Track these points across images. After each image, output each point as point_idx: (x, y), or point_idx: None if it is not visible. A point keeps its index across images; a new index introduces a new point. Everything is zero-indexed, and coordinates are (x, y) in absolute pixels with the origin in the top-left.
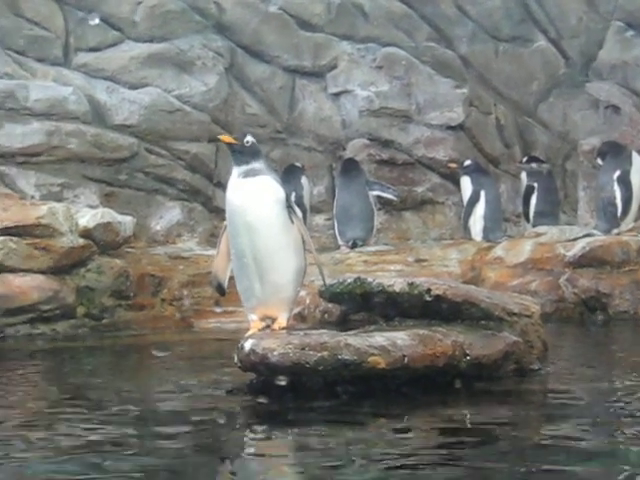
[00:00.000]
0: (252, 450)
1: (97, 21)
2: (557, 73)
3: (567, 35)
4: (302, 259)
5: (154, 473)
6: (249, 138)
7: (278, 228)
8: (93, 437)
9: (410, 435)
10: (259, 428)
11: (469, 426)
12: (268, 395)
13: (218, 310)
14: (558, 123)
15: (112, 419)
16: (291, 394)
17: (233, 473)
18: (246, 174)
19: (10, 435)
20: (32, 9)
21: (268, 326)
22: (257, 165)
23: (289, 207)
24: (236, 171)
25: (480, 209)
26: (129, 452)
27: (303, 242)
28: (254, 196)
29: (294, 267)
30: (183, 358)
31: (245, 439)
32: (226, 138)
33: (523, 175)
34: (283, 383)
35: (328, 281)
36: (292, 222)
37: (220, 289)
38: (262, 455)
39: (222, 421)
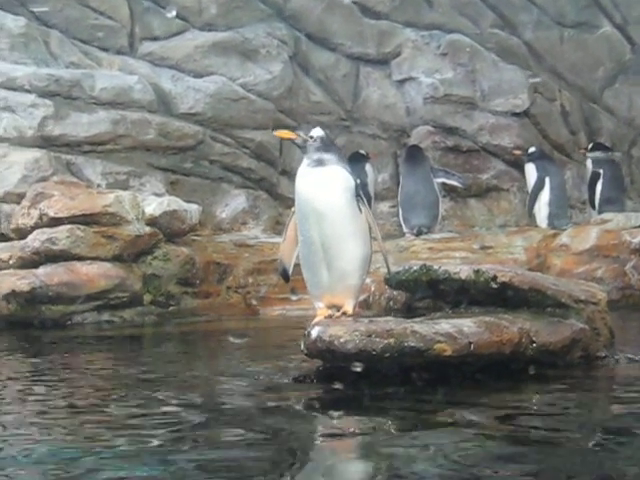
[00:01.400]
0: (327, 437)
1: (174, 13)
2: (623, 59)
3: (633, 20)
4: (369, 247)
5: (232, 462)
6: (315, 133)
7: (347, 216)
8: (166, 423)
9: (480, 421)
10: (335, 414)
11: (536, 411)
12: (340, 381)
13: (294, 298)
14: (624, 109)
15: (181, 405)
16: (365, 380)
17: (310, 460)
18: (316, 163)
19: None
20: None
21: (333, 314)
22: (327, 156)
23: (358, 196)
24: (306, 160)
25: (545, 196)
26: (207, 440)
27: (370, 230)
28: (324, 184)
29: (361, 255)
30: (250, 345)
31: (320, 426)
32: (284, 134)
33: (588, 162)
34: (359, 369)
35: (393, 269)
36: (360, 211)
37: (285, 275)
38: (338, 440)
39: (298, 407)
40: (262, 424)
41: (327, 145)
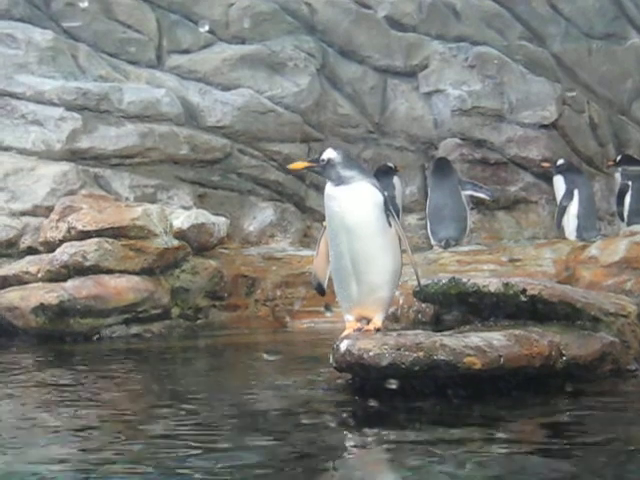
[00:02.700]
0: (358, 452)
1: (207, 27)
2: None
3: None
4: (399, 261)
5: (263, 477)
6: (326, 155)
7: (377, 232)
8: (193, 438)
9: (512, 436)
10: (369, 431)
11: (565, 428)
12: (375, 397)
13: (328, 314)
14: None
15: (214, 419)
16: (399, 396)
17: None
18: (339, 182)
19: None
20: (125, 12)
21: (362, 327)
22: (349, 173)
23: (387, 210)
24: (329, 182)
25: (574, 208)
26: (239, 454)
27: (400, 243)
28: (353, 201)
29: (391, 269)
30: (279, 359)
31: (352, 441)
32: (297, 165)
33: (617, 174)
34: (394, 386)
35: (422, 281)
36: (390, 225)
37: (320, 289)
38: (368, 454)
39: (329, 421)
40: (294, 438)
41: (345, 163)
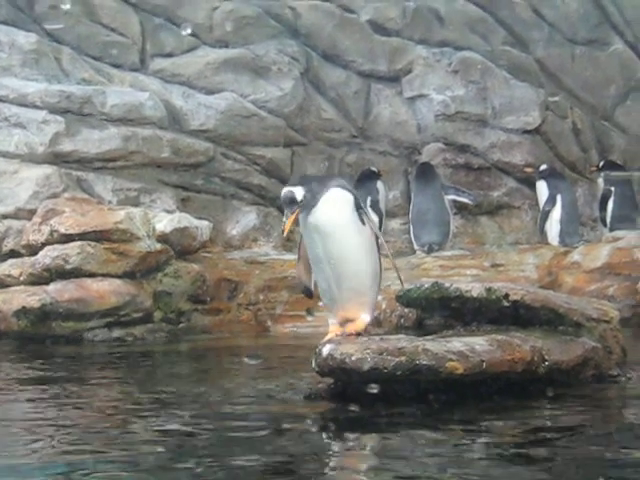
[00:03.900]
0: (340, 457)
1: (189, 31)
2: (634, 76)
3: None
4: (376, 262)
5: None
6: (298, 197)
7: (350, 231)
8: (177, 444)
9: (495, 440)
10: (350, 436)
11: (550, 431)
12: (357, 401)
13: (310, 319)
14: (635, 127)
15: (197, 424)
16: (380, 401)
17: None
18: (315, 202)
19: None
20: (109, 15)
21: (344, 332)
22: (318, 188)
23: (359, 209)
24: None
25: (556, 213)
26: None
27: (377, 243)
28: (323, 204)
29: (370, 270)
30: (261, 363)
31: (334, 446)
32: (287, 226)
33: (600, 179)
34: (375, 391)
35: (405, 286)
36: (363, 223)
37: (307, 292)
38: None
39: (310, 427)
40: (275, 444)
41: (311, 186)
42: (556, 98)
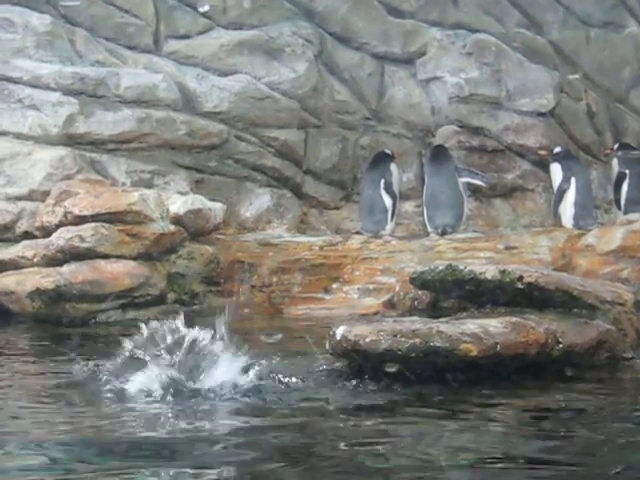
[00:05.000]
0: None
1: (207, 8)
2: None
3: None
4: None
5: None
6: None
7: None
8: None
9: (510, 420)
10: (365, 416)
11: (563, 413)
12: (373, 381)
13: (327, 297)
14: None
15: (211, 407)
16: (398, 381)
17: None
18: None
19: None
20: None
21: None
22: None
23: None
24: None
25: (570, 196)
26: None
27: None
28: None
29: None
30: (275, 344)
31: (350, 428)
32: None
33: (614, 162)
34: (393, 370)
35: (419, 268)
36: None
37: None
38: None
39: (326, 408)
40: (293, 425)
41: None
42: (576, 75)
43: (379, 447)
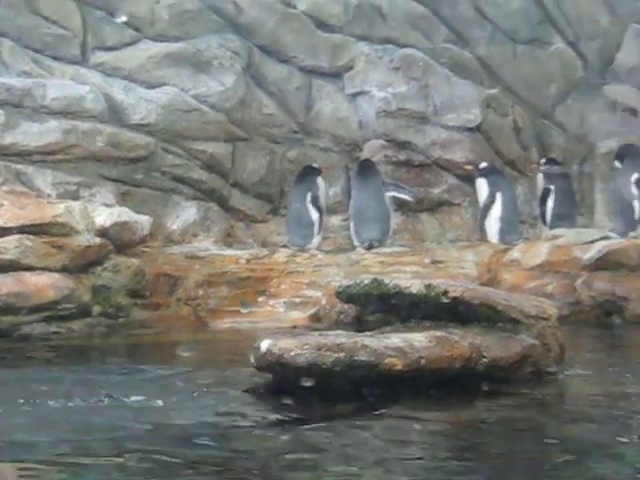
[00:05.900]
0: (278, 454)
1: (124, 19)
2: (575, 75)
3: (585, 37)
4: None
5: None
6: None
7: None
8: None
9: (429, 436)
10: (283, 432)
11: (485, 427)
12: (291, 395)
13: (244, 311)
14: (575, 125)
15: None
16: (316, 395)
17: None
18: None
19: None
20: (50, 7)
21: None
22: None
23: None
24: None
25: (496, 211)
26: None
27: None
28: None
29: None
30: (198, 358)
31: (270, 443)
32: None
33: (540, 177)
34: (309, 384)
35: (344, 282)
36: None
37: None
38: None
39: (246, 422)
40: (214, 439)
41: None
42: (495, 90)
43: (295, 460)
